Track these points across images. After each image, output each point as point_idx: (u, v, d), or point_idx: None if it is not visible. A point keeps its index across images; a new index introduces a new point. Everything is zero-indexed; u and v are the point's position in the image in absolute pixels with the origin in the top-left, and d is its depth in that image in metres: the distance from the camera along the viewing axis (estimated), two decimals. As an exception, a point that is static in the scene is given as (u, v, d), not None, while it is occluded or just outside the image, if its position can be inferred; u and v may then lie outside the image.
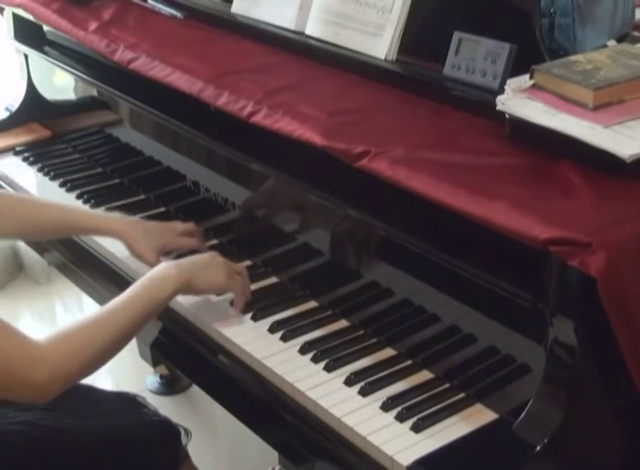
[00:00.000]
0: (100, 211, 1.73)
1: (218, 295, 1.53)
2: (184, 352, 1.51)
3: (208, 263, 1.46)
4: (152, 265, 1.55)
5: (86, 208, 1.72)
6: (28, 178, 2.06)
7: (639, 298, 1.08)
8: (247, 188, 1.63)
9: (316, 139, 1.35)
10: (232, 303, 1.50)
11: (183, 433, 1.57)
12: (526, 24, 1.41)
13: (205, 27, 1.88)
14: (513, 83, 1.32)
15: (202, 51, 1.74)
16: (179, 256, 1.63)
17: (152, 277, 1.38)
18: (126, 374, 2.53)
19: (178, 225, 1.67)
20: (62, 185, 2.00)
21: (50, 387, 1.22)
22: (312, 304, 1.52)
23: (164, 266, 1.41)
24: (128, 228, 1.61)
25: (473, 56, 1.41)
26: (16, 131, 2.25)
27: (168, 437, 1.55)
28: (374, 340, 1.42)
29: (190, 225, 1.69)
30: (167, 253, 1.65)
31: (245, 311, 1.49)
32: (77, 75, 2.04)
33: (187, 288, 1.41)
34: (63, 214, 1.63)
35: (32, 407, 1.43)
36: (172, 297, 1.40)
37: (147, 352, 2.23)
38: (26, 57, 2.25)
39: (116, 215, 1.67)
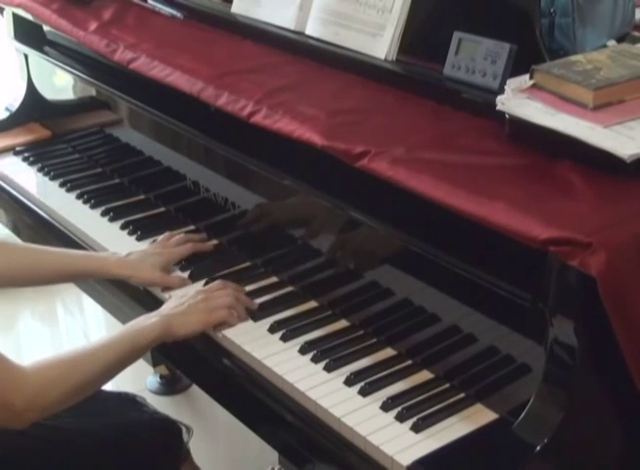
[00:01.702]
0: (92, 253, 1.70)
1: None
2: (184, 352, 1.51)
3: (188, 308, 1.44)
4: (166, 284, 1.57)
5: (79, 252, 1.69)
6: (28, 178, 2.06)
7: (639, 298, 1.08)
8: (247, 188, 1.63)
9: (316, 139, 1.35)
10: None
11: (184, 430, 1.57)
12: (526, 24, 1.41)
13: (205, 27, 1.88)
14: (513, 83, 1.32)
15: (202, 51, 1.74)
16: (186, 261, 1.63)
17: (136, 323, 1.40)
18: (126, 374, 2.51)
19: (170, 239, 1.67)
20: (62, 185, 2.00)
21: (27, 413, 1.24)
22: (312, 304, 1.52)
23: (148, 315, 1.43)
24: (122, 264, 1.59)
25: (473, 56, 1.41)
26: (16, 131, 2.25)
27: (169, 435, 1.55)
28: (374, 340, 1.42)
29: (180, 236, 1.68)
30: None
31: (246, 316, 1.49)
32: (77, 75, 2.04)
33: (169, 334, 1.41)
34: (58, 260, 1.60)
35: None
36: (154, 343, 1.41)
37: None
38: (26, 57, 2.25)
39: (109, 254, 1.65)
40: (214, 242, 1.72)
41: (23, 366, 1.25)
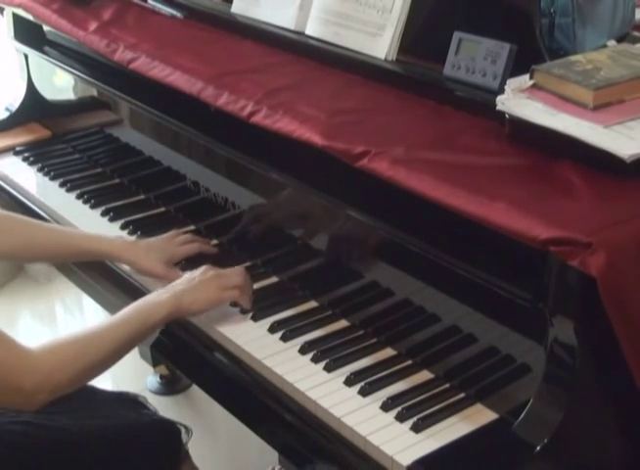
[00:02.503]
0: (100, 234, 1.68)
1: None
2: (184, 352, 1.51)
3: (199, 284, 1.44)
4: (166, 277, 1.56)
5: (85, 230, 1.70)
6: (28, 178, 2.06)
7: (639, 298, 1.08)
8: (247, 188, 1.63)
9: (316, 139, 1.35)
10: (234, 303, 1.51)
11: (184, 431, 1.57)
12: (526, 24, 1.41)
13: (205, 27, 1.88)
14: (513, 83, 1.32)
15: (202, 51, 1.74)
16: (187, 261, 1.63)
17: (146, 300, 1.40)
18: (126, 374, 2.53)
19: (177, 237, 1.67)
20: (62, 185, 2.00)
21: (38, 395, 1.23)
22: (312, 304, 1.52)
23: (158, 292, 1.42)
24: (130, 248, 1.60)
25: (473, 56, 1.41)
26: (16, 131, 2.25)
27: (169, 436, 1.55)
28: (374, 340, 1.42)
29: (187, 236, 1.68)
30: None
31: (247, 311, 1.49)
32: (77, 75, 2.04)
33: (180, 311, 1.41)
34: (62, 236, 1.60)
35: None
36: (164, 321, 1.40)
37: (147, 352, 2.24)
38: (26, 57, 2.25)
39: (116, 237, 1.66)
40: (214, 242, 1.72)
41: (32, 349, 1.24)
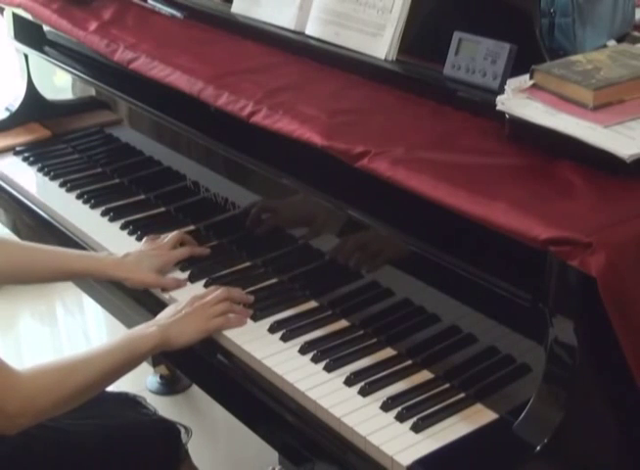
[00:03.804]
0: (91, 253, 1.70)
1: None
2: (184, 352, 1.51)
3: (185, 316, 1.44)
4: (158, 285, 1.57)
5: (77, 251, 1.69)
6: (28, 178, 2.06)
7: (639, 297, 1.08)
8: (247, 188, 1.63)
9: (316, 139, 1.35)
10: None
11: (183, 431, 1.57)
12: (526, 24, 1.41)
13: (205, 27, 1.88)
14: (513, 83, 1.32)
15: (202, 51, 1.74)
16: (186, 262, 1.63)
17: (134, 332, 1.41)
18: (126, 374, 2.53)
19: (165, 240, 1.66)
20: (62, 185, 2.00)
21: (19, 419, 1.24)
22: (312, 304, 1.52)
23: (147, 323, 1.43)
24: (119, 264, 1.60)
25: (473, 56, 1.41)
26: (16, 131, 2.25)
27: (168, 436, 1.55)
28: (374, 340, 1.42)
29: (175, 235, 1.68)
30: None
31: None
32: (77, 75, 2.04)
33: (167, 344, 1.41)
34: (55, 258, 1.60)
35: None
36: (151, 353, 1.42)
37: (147, 351, 2.23)
38: (26, 57, 2.25)
39: (106, 256, 1.65)
40: (214, 242, 1.72)
41: (19, 371, 1.24)
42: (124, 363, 1.37)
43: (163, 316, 1.45)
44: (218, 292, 1.49)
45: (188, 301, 1.48)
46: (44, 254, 1.60)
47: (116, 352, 1.36)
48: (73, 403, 1.32)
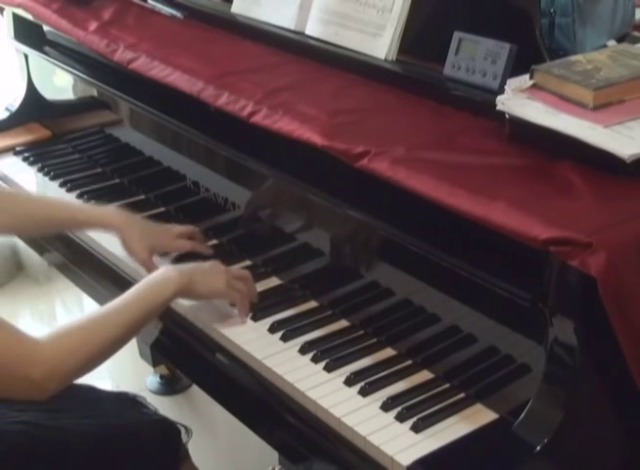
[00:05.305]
0: (96, 205, 1.71)
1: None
2: (184, 352, 1.51)
3: (209, 270, 1.45)
4: (142, 263, 1.57)
5: (81, 202, 1.72)
6: (28, 178, 2.06)
7: (639, 298, 1.08)
8: (247, 188, 1.63)
9: (316, 139, 1.35)
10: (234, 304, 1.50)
11: (183, 431, 1.57)
12: (526, 24, 1.41)
13: (206, 27, 1.88)
14: (513, 83, 1.32)
15: (202, 51, 1.74)
16: (179, 258, 1.63)
17: (153, 279, 1.39)
18: (126, 374, 2.53)
19: (176, 228, 1.66)
20: (62, 185, 2.00)
21: (47, 384, 1.23)
22: (312, 304, 1.52)
23: (166, 269, 1.41)
24: (126, 222, 1.60)
25: (473, 56, 1.41)
26: (16, 131, 2.25)
27: (168, 436, 1.55)
28: (374, 340, 1.42)
29: (189, 228, 1.68)
30: (164, 254, 1.65)
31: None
32: (77, 75, 2.04)
33: (187, 291, 1.41)
34: (59, 208, 1.62)
35: (33, 407, 1.43)
36: (172, 299, 1.40)
37: (147, 352, 2.23)
38: (26, 57, 2.25)
39: (114, 209, 1.66)
40: (214, 242, 1.72)
41: (40, 338, 1.23)
42: (146, 313, 1.35)
43: (183, 265, 1.45)
44: (243, 271, 1.51)
45: (212, 261, 1.48)
46: (48, 204, 1.63)
47: (137, 303, 1.34)
48: (99, 362, 1.30)
